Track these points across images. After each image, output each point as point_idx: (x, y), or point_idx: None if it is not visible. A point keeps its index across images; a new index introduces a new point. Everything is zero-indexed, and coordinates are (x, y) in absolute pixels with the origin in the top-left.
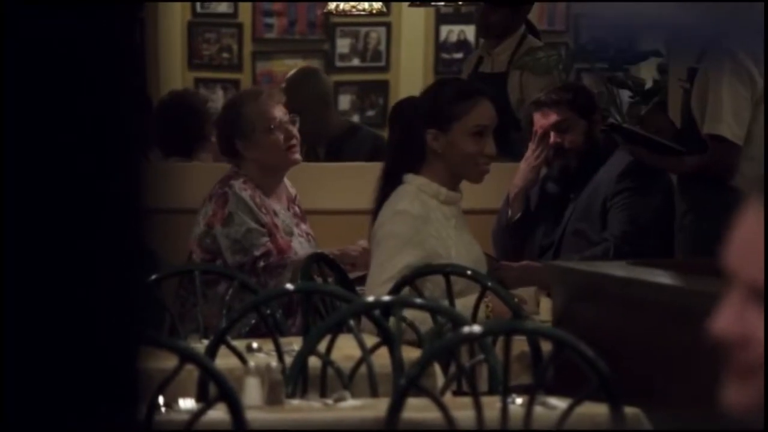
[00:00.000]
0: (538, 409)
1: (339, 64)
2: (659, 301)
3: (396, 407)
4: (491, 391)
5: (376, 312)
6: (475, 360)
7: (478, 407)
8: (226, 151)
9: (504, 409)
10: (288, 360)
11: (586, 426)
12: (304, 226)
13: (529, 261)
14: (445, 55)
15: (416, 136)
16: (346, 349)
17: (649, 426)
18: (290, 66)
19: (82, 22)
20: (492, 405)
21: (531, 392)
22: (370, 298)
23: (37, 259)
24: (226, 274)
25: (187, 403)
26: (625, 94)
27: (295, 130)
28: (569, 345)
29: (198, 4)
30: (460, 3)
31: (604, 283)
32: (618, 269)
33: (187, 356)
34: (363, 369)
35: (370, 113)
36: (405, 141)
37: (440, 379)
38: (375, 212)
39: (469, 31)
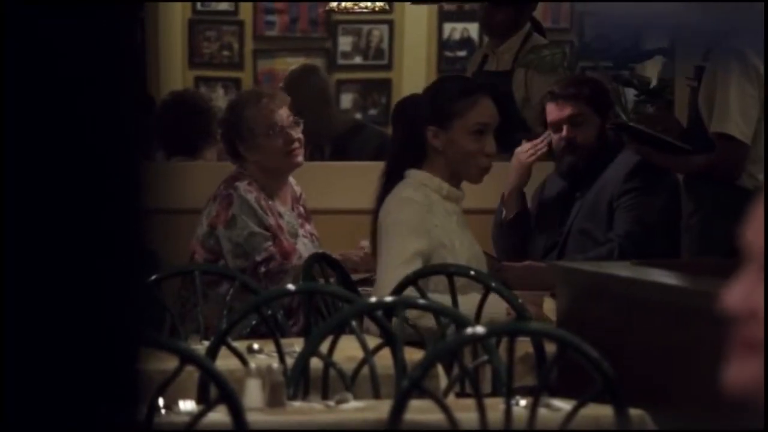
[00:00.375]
0: (542, 411)
1: (341, 62)
2: (664, 302)
3: (398, 409)
4: (495, 393)
5: (379, 313)
6: (479, 361)
7: (481, 409)
8: (230, 152)
9: (507, 411)
10: (289, 361)
11: (591, 427)
12: (308, 227)
13: (532, 261)
14: (448, 53)
15: (418, 133)
16: (348, 350)
17: (654, 427)
18: (292, 64)
19: (82, 21)
20: (495, 407)
21: (535, 394)
22: (373, 299)
23: (38, 259)
24: (227, 274)
25: (187, 405)
26: (630, 93)
27: (297, 133)
28: (573, 346)
29: (198, 3)
30: (463, 0)
31: (608, 283)
32: (623, 269)
33: (187, 357)
34: (365, 370)
35: (373, 112)
36: (407, 138)
37: (443, 381)
38: (376, 209)
39: (473, 29)
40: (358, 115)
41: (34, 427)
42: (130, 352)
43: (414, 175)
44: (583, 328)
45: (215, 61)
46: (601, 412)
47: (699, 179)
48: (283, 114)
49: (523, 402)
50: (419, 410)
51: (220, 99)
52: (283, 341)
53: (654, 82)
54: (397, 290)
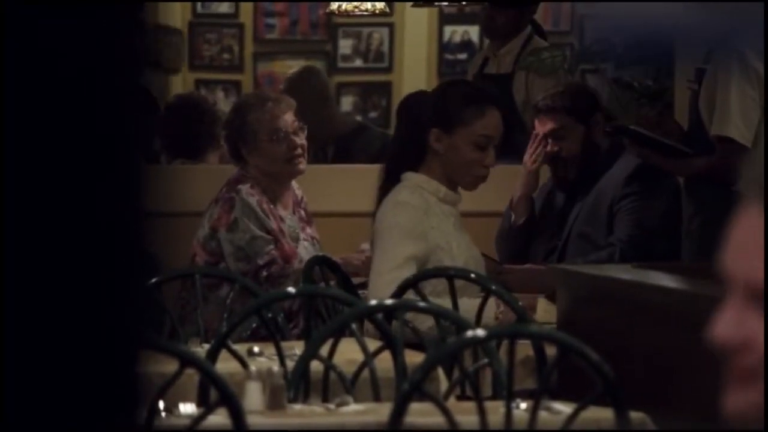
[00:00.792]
0: (542, 414)
1: (341, 65)
2: (665, 305)
3: (399, 412)
4: (495, 396)
5: (379, 315)
6: (479, 364)
7: (481, 412)
8: (233, 154)
9: (508, 414)
10: (290, 364)
11: (592, 430)
12: (309, 230)
13: (533, 264)
14: (448, 56)
15: (419, 133)
16: (348, 353)
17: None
18: (292, 67)
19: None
20: (496, 410)
21: (535, 397)
22: (373, 302)
23: (37, 261)
24: (227, 277)
25: (187, 408)
26: (630, 96)
27: (301, 139)
28: (574, 349)
29: (199, 5)
30: (464, 3)
31: (609, 286)
32: (623, 272)
33: (187, 360)
34: (365, 373)
35: (373, 115)
36: (408, 138)
37: (444, 384)
38: (375, 212)
39: (473, 32)
40: (358, 118)
41: (34, 430)
42: (130, 354)
43: (411, 178)
44: (583, 331)
45: (215, 63)
46: (601, 415)
47: (700, 182)
48: (288, 119)
49: (523, 405)
50: (419, 413)
51: (220, 102)
52: (284, 344)
53: (654, 85)
54: (397, 293)
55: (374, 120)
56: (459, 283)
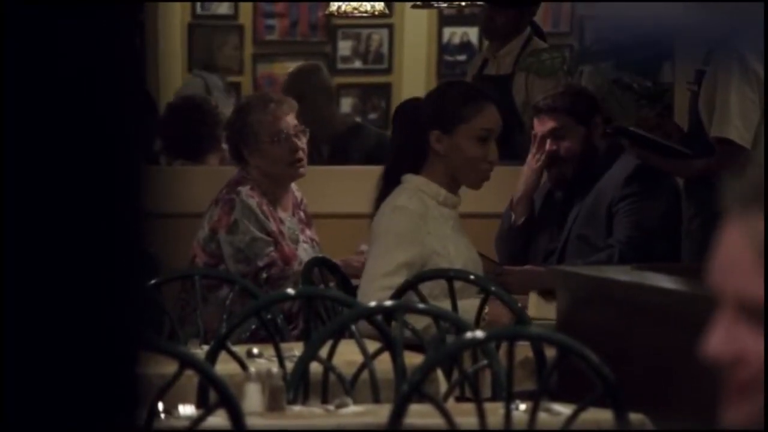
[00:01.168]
0: (542, 416)
1: (341, 66)
2: (664, 306)
3: (398, 413)
4: (494, 398)
5: (378, 317)
6: (478, 366)
7: (481, 413)
8: (234, 155)
9: (507, 416)
10: (289, 365)
11: None
12: (309, 232)
13: (532, 265)
14: (448, 57)
15: (419, 136)
16: (347, 354)
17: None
18: (291, 69)
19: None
20: (495, 411)
21: (535, 398)
22: (372, 303)
23: (37, 261)
24: (227, 278)
25: (186, 409)
26: (630, 97)
27: (302, 142)
28: (573, 350)
29: (198, 6)
30: (463, 5)
31: (608, 287)
32: (623, 274)
33: (187, 362)
34: (365, 375)
35: (372, 116)
36: (407, 141)
37: (443, 385)
38: (374, 214)
39: (472, 33)
40: (358, 120)
41: (34, 430)
42: (130, 355)
43: (411, 181)
44: (583, 333)
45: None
46: (601, 416)
47: (699, 183)
48: (290, 121)
49: (523, 406)
50: (419, 415)
51: (220, 101)
52: (283, 345)
53: (654, 87)
54: (397, 295)
55: (374, 121)
56: (458, 285)
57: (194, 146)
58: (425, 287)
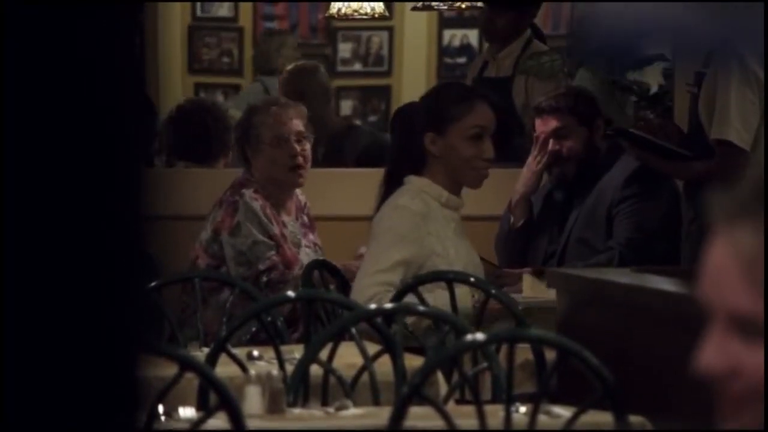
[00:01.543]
0: (542, 418)
1: (341, 68)
2: (664, 309)
3: (398, 416)
4: (494, 400)
5: (379, 319)
6: (479, 368)
7: (481, 416)
8: (240, 155)
9: (507, 418)
10: (289, 368)
11: None
12: (311, 236)
13: (532, 267)
14: (448, 60)
15: (416, 140)
16: (347, 356)
17: None
18: None
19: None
20: (495, 414)
21: (535, 400)
22: (372, 306)
23: (36, 264)
24: (227, 281)
25: (187, 412)
26: (630, 99)
27: (303, 149)
28: (573, 353)
29: (198, 8)
30: (463, 7)
31: (608, 290)
32: (623, 276)
33: (187, 364)
34: (365, 377)
35: (372, 118)
36: (406, 145)
37: (443, 387)
38: (375, 215)
39: (472, 36)
40: (358, 122)
41: None
42: (130, 358)
43: (413, 182)
44: (583, 335)
45: (215, 67)
46: (601, 418)
47: (699, 186)
48: (293, 126)
49: (523, 409)
50: (419, 417)
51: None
52: (283, 348)
53: (654, 88)
54: (397, 297)
55: (373, 124)
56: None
57: (203, 151)
58: (425, 288)
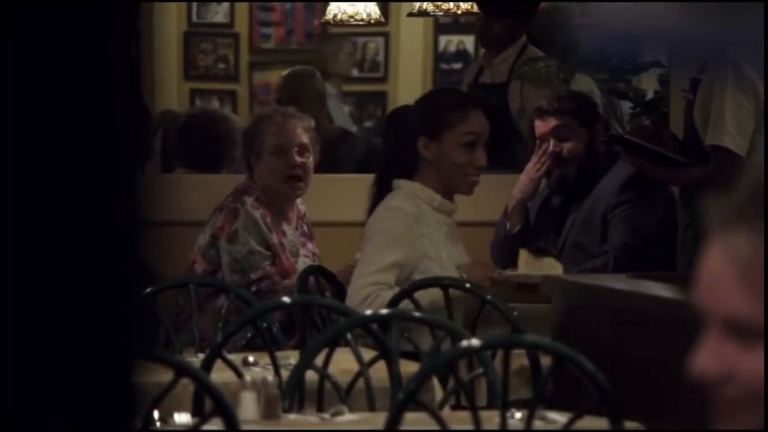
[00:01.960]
0: (537, 424)
1: None
2: (660, 315)
3: (394, 422)
4: (490, 406)
5: (374, 326)
6: (474, 374)
7: (476, 422)
8: (245, 162)
9: (503, 424)
10: (284, 374)
11: None
12: (310, 246)
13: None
14: (444, 66)
15: (409, 143)
16: (343, 362)
17: None
18: None
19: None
20: (491, 420)
21: (530, 406)
22: (368, 312)
23: (32, 271)
24: (222, 287)
25: (182, 418)
26: (626, 105)
27: (303, 161)
28: (569, 359)
29: (194, 14)
30: (459, 13)
31: (604, 296)
32: (618, 282)
33: (182, 370)
34: (360, 383)
35: (368, 124)
36: (398, 148)
37: (439, 393)
38: (367, 219)
39: (468, 42)
40: (354, 128)
41: None
42: (125, 364)
43: (406, 186)
44: (578, 341)
45: (211, 73)
46: (596, 424)
47: (695, 192)
48: (295, 138)
49: (518, 415)
50: (414, 423)
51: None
52: (279, 354)
53: (650, 95)
54: (393, 303)
55: (370, 129)
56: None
57: (210, 160)
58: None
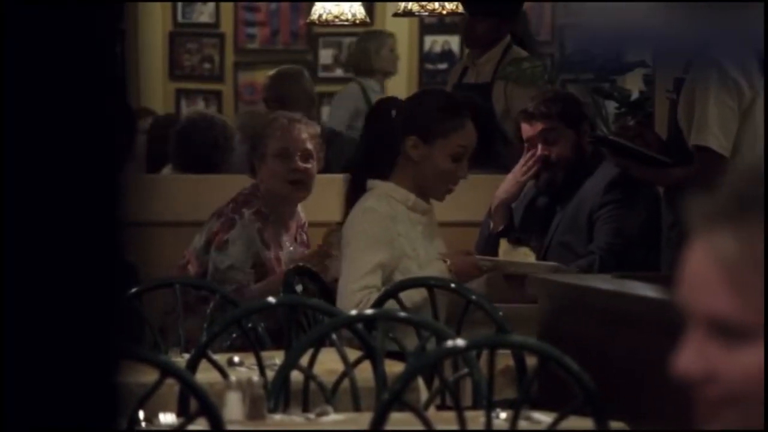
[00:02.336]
0: (522, 424)
1: (322, 74)
2: (645, 315)
3: (379, 422)
4: (475, 406)
5: (359, 325)
6: (459, 374)
7: (461, 422)
8: (249, 165)
9: (488, 424)
10: (270, 374)
11: None
12: None
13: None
14: (429, 66)
15: (392, 139)
16: (328, 363)
17: None
18: None
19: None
20: (476, 420)
21: (515, 407)
22: (353, 312)
23: (16, 271)
24: (209, 288)
25: (167, 418)
26: (611, 106)
27: (307, 165)
28: (554, 359)
29: (179, 14)
30: (444, 13)
31: (589, 296)
32: (603, 282)
33: (167, 370)
34: (346, 383)
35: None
36: (379, 144)
37: (424, 394)
38: (344, 221)
39: (453, 42)
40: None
41: None
42: (110, 364)
43: (379, 186)
44: (563, 341)
45: (196, 73)
46: (581, 424)
47: (679, 192)
48: (299, 142)
49: (503, 415)
50: (400, 423)
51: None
52: (264, 354)
53: (635, 95)
54: (378, 303)
55: (355, 129)
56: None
57: (208, 165)
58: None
